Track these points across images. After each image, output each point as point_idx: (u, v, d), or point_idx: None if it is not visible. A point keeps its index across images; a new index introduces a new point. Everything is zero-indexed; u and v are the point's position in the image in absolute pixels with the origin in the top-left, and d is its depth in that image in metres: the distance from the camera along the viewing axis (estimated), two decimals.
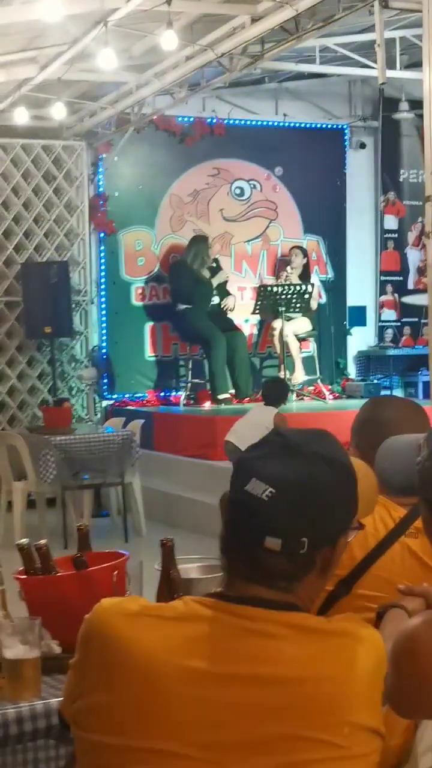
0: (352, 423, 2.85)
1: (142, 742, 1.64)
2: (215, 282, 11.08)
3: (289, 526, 1.68)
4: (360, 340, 12.49)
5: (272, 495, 1.68)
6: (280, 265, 11.84)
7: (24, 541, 2.64)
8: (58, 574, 2.61)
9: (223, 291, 11.21)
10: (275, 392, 8.82)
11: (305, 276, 11.37)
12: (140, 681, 1.65)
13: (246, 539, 1.70)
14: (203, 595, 1.74)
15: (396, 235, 12.47)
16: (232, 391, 10.96)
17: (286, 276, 11.29)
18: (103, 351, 11.45)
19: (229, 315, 11.18)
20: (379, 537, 2.53)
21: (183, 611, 1.71)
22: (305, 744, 1.62)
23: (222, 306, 11.02)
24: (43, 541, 2.65)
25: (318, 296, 11.44)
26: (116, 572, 2.58)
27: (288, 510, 1.68)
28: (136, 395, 11.51)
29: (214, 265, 11.18)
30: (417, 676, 1.71)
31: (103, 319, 11.52)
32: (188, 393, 11.27)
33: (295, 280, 11.23)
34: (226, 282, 11.25)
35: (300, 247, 11.59)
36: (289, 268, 11.36)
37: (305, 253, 11.53)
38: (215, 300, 11.13)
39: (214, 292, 11.13)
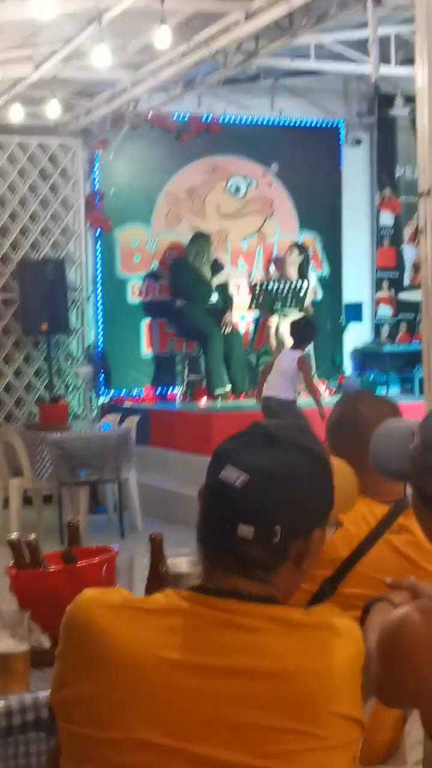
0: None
1: (122, 733, 1.65)
2: (216, 282, 11.11)
3: (262, 513, 1.68)
4: (356, 336, 12.51)
5: (246, 482, 1.68)
6: (277, 263, 11.86)
7: (14, 535, 2.67)
8: (48, 568, 2.64)
9: (223, 292, 11.24)
10: (302, 331, 9.15)
11: (303, 273, 11.39)
12: (120, 673, 1.66)
13: (220, 527, 1.70)
14: (185, 589, 1.75)
15: (392, 232, 12.49)
16: (229, 386, 10.99)
17: (282, 274, 11.34)
18: (100, 348, 11.47)
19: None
20: (362, 535, 2.54)
21: (163, 604, 1.72)
22: (286, 735, 1.64)
23: (222, 326, 11.01)
24: (32, 536, 2.68)
25: (314, 293, 11.46)
26: (105, 567, 2.61)
27: (261, 498, 1.68)
28: (132, 392, 11.54)
29: (216, 263, 11.20)
30: (402, 665, 1.72)
31: (100, 316, 11.54)
32: (184, 389, 11.29)
33: (293, 276, 11.26)
34: (227, 284, 11.29)
35: (297, 245, 11.61)
36: (283, 269, 11.41)
37: (301, 251, 11.54)
38: (214, 298, 11.17)
39: (214, 291, 11.16)
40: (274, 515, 1.69)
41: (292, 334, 9.29)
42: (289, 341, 11.02)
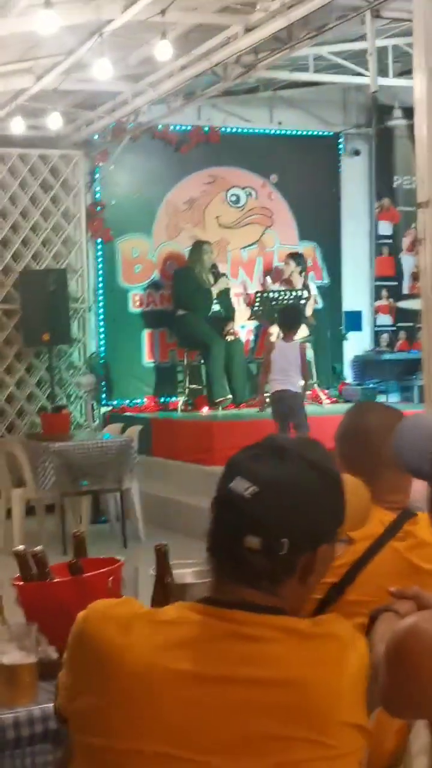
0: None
1: (135, 744, 1.67)
2: (215, 290, 11.15)
3: (270, 525, 1.70)
4: (356, 344, 12.54)
5: (255, 493, 1.70)
6: (276, 273, 11.90)
7: (20, 547, 2.68)
8: (54, 580, 2.66)
9: (225, 300, 11.27)
10: (292, 318, 9.39)
11: (300, 282, 11.42)
12: (132, 684, 1.68)
13: (228, 537, 1.72)
14: (194, 601, 1.78)
15: (390, 241, 12.53)
16: (230, 395, 11.02)
17: (281, 283, 11.38)
18: (101, 358, 11.51)
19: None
20: (368, 542, 2.54)
21: (174, 616, 1.74)
22: (296, 744, 1.66)
23: (224, 335, 11.03)
24: (39, 548, 2.69)
25: (314, 302, 11.48)
26: (111, 578, 2.62)
27: (270, 509, 1.70)
28: (134, 401, 11.57)
29: (215, 268, 11.23)
30: (409, 676, 1.72)
31: (101, 326, 11.57)
32: (186, 398, 11.32)
33: (291, 286, 11.30)
34: (228, 290, 11.32)
35: (293, 255, 11.64)
36: (281, 280, 11.46)
37: (298, 261, 11.57)
38: (215, 308, 11.20)
39: (215, 300, 11.19)
40: (282, 527, 1.71)
41: (284, 321, 9.38)
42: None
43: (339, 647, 1.73)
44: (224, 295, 11.29)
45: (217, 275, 11.22)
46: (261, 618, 1.71)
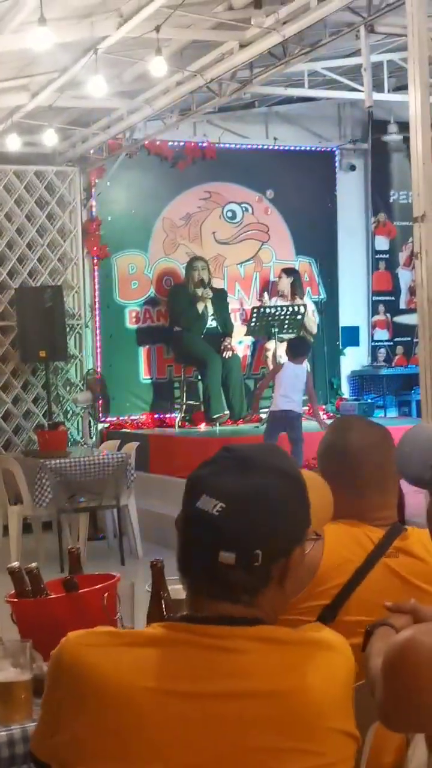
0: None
1: (125, 765, 1.64)
2: (200, 306, 11.07)
3: (242, 539, 1.69)
4: (353, 359, 12.55)
5: (222, 509, 1.68)
6: (272, 288, 11.90)
7: (15, 564, 2.68)
8: (49, 596, 2.64)
9: (222, 312, 11.24)
10: (300, 348, 9.65)
11: (296, 296, 11.43)
12: (117, 708, 1.65)
13: (202, 555, 1.71)
14: (172, 620, 1.76)
15: (387, 256, 12.56)
16: (228, 411, 11.00)
17: (274, 301, 11.40)
18: (98, 374, 11.49)
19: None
20: (359, 561, 2.53)
21: (152, 636, 1.72)
22: (287, 755, 1.65)
23: (222, 351, 11.02)
24: (33, 564, 2.68)
25: (312, 317, 11.47)
26: (107, 594, 2.61)
27: (239, 523, 1.69)
28: (131, 418, 11.55)
29: (203, 285, 11.18)
30: (407, 688, 1.71)
31: (98, 342, 11.56)
32: (183, 415, 11.31)
33: (287, 301, 11.31)
34: (216, 298, 11.27)
35: (286, 270, 11.65)
36: (278, 295, 11.46)
37: (290, 275, 11.58)
38: (212, 323, 11.19)
39: (211, 316, 11.17)
40: (254, 540, 1.70)
41: (291, 349, 9.56)
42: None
43: (319, 652, 1.71)
44: (219, 307, 11.24)
45: (204, 288, 11.14)
46: (239, 630, 1.69)
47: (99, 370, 11.45)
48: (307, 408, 10.12)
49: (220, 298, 11.39)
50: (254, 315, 10.97)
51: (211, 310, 11.20)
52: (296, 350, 9.59)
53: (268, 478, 1.73)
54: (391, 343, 12.54)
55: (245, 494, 1.70)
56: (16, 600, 2.64)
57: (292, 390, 9.32)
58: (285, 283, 11.47)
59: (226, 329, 11.33)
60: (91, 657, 1.69)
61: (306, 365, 9.71)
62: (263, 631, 1.70)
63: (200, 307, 11.07)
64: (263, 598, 1.73)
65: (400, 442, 2.33)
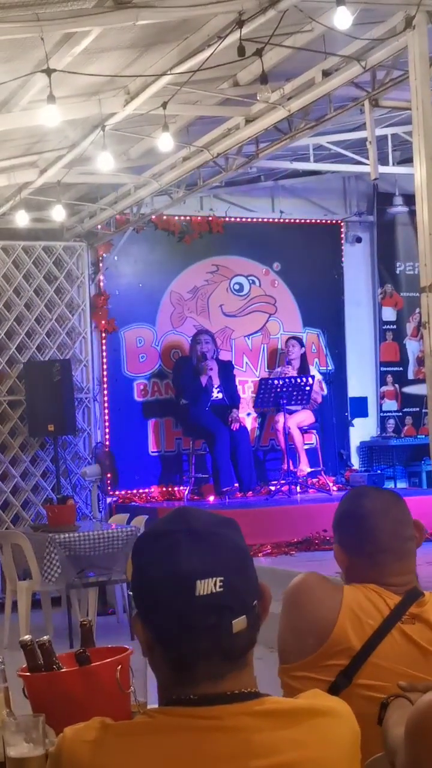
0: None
1: None
2: (203, 379, 11.05)
3: (244, 597, 1.68)
4: (362, 430, 12.51)
5: (223, 581, 1.65)
6: (281, 358, 11.93)
7: (27, 638, 2.63)
8: (62, 670, 2.60)
9: (228, 382, 11.23)
10: None
11: (303, 368, 11.45)
12: None
13: (213, 637, 1.65)
14: (164, 704, 1.70)
15: (394, 327, 12.60)
16: (237, 484, 10.95)
17: (281, 371, 11.40)
18: (107, 447, 11.47)
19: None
20: (375, 625, 2.52)
21: (150, 725, 1.66)
22: None
23: (229, 422, 11.00)
24: (45, 638, 2.64)
25: (320, 388, 11.45)
26: (120, 667, 2.56)
27: (238, 583, 1.67)
28: (140, 491, 11.50)
29: (204, 359, 11.15)
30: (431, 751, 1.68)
31: (106, 415, 11.56)
32: (192, 487, 11.26)
33: (294, 372, 11.32)
34: (231, 372, 11.29)
35: (296, 338, 11.69)
36: (286, 365, 11.46)
37: (302, 344, 11.62)
38: (219, 396, 11.17)
39: (216, 387, 11.15)
40: (250, 594, 1.70)
41: None
42: (297, 435, 11.05)
43: (325, 721, 1.69)
44: (225, 379, 11.22)
45: (206, 361, 11.11)
46: (239, 707, 1.64)
47: (107, 443, 11.44)
48: None
49: (226, 370, 11.40)
50: (261, 387, 10.98)
51: (216, 382, 11.19)
52: None
53: (225, 534, 1.71)
54: (400, 414, 12.52)
55: (227, 557, 1.68)
56: (28, 674, 2.59)
57: None
58: (296, 352, 11.47)
59: (233, 401, 11.31)
60: (87, 756, 1.65)
61: None
62: (263, 704, 1.66)
63: (204, 379, 11.07)
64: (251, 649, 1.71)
65: None
